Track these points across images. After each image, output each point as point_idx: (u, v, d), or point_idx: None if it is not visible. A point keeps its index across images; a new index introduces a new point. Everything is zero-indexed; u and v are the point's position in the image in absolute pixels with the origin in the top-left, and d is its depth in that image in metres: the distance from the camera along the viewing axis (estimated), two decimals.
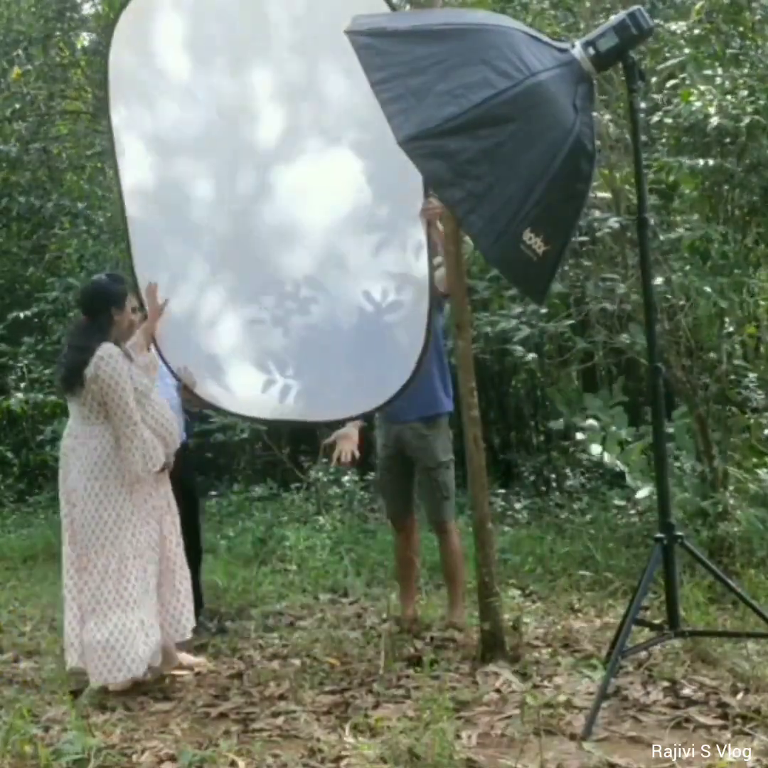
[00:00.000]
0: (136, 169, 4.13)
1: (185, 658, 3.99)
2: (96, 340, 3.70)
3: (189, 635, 3.92)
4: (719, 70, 4.95)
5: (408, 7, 4.62)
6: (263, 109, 3.95)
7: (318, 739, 2.96)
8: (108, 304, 3.78)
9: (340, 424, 4.31)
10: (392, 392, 3.91)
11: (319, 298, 3.99)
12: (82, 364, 3.66)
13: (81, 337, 3.81)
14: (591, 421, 5.79)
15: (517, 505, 7.69)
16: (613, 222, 5.17)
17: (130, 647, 3.56)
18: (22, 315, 9.35)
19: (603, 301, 5.28)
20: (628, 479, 5.72)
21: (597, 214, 5.18)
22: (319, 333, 4.00)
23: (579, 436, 6.09)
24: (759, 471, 5.18)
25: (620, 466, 5.68)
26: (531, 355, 6.65)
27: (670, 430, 5.59)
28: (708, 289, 4.64)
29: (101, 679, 3.56)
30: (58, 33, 9.32)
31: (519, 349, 6.51)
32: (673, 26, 5.26)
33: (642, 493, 5.31)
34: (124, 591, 3.62)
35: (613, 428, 5.78)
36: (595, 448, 5.73)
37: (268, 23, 3.90)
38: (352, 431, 4.33)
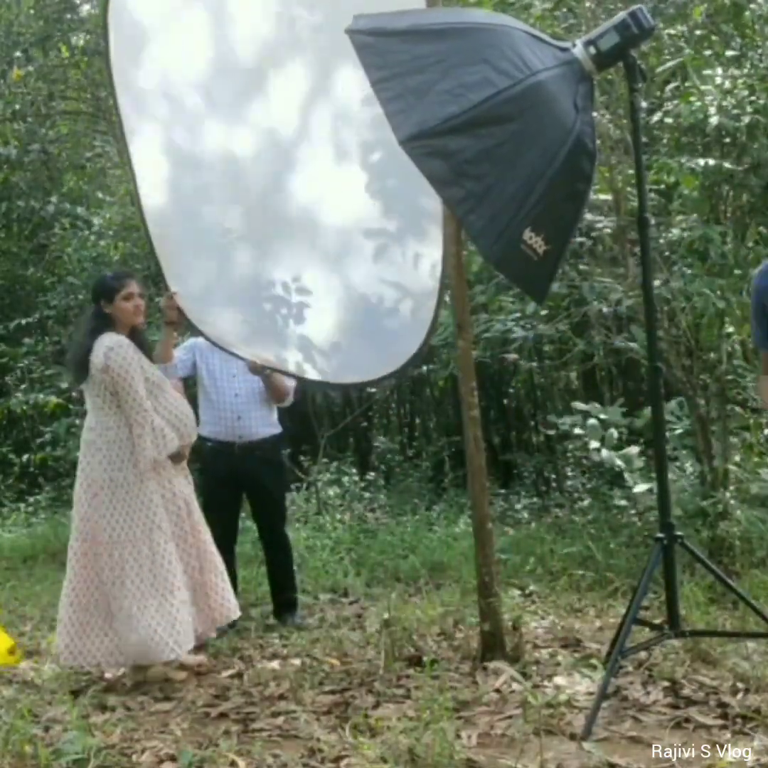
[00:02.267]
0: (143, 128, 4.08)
1: (185, 657, 3.98)
2: (89, 333, 3.87)
3: (237, 615, 4.09)
4: (719, 70, 4.94)
5: None
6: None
7: (318, 739, 2.96)
8: (98, 297, 3.94)
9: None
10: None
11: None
12: (82, 358, 3.81)
13: (79, 330, 4.06)
14: (592, 421, 5.77)
15: (518, 506, 7.70)
16: (608, 222, 5.17)
17: (173, 629, 3.67)
18: (24, 322, 9.42)
19: (600, 303, 5.28)
20: (627, 476, 5.71)
21: (591, 216, 5.18)
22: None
23: (578, 431, 6.08)
24: (759, 471, 5.18)
25: (619, 463, 5.66)
26: (531, 364, 6.63)
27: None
28: (706, 291, 4.63)
29: (144, 661, 3.71)
30: (57, 34, 9.32)
31: (511, 355, 6.51)
32: (672, 31, 5.26)
33: (640, 489, 5.30)
34: (161, 577, 3.71)
35: (612, 430, 5.76)
36: (594, 444, 5.72)
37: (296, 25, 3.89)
38: None
